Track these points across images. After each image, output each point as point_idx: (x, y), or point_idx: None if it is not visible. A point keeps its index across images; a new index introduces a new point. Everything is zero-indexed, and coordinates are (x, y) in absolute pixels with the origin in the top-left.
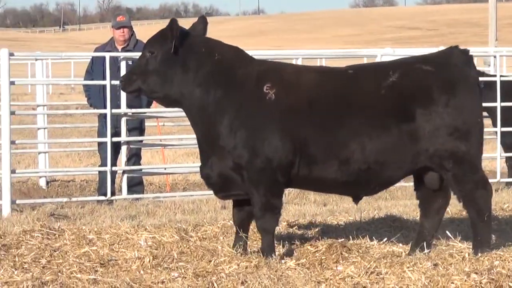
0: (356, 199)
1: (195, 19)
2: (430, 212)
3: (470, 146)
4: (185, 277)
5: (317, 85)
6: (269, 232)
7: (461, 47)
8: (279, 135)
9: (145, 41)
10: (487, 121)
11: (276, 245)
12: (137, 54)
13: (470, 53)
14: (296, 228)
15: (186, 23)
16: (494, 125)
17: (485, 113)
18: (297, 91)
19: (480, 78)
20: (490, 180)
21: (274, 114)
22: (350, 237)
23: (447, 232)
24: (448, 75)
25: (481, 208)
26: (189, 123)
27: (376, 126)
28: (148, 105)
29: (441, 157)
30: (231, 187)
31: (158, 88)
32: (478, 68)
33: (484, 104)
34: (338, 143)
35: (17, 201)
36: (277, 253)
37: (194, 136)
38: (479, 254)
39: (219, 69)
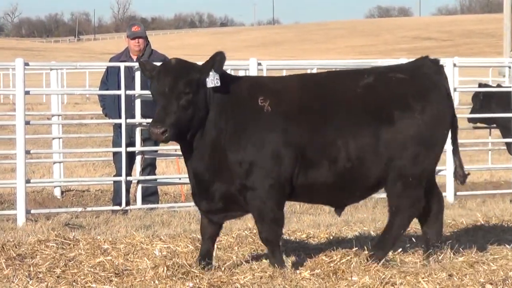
0: (340, 209)
1: (210, 29)
2: (429, 220)
3: (432, 159)
4: (200, 287)
5: (304, 92)
6: (277, 244)
7: (433, 57)
8: (285, 149)
9: (160, 51)
10: (495, 132)
11: (291, 255)
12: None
13: (441, 63)
14: (311, 239)
15: (200, 34)
16: (505, 136)
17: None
18: (289, 100)
19: (495, 89)
20: (503, 191)
21: (277, 127)
22: (365, 247)
23: (462, 243)
24: (421, 84)
25: (405, 224)
26: None
27: (361, 130)
28: None
29: (403, 167)
30: (232, 209)
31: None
32: (493, 78)
33: (495, 115)
34: (330, 148)
35: (32, 211)
36: (291, 263)
37: None
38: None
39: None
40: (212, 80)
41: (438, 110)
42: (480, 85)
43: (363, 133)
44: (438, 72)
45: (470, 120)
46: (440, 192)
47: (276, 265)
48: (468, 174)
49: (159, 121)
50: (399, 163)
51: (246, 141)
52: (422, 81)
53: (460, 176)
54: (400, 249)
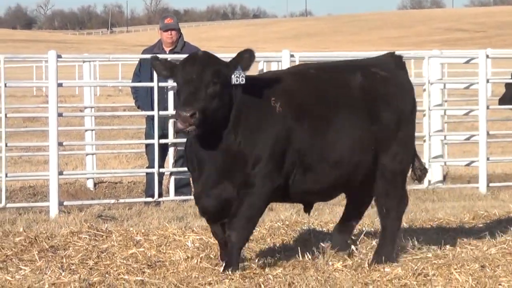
0: (310, 208)
1: (243, 21)
2: (352, 212)
3: (410, 155)
4: (233, 279)
5: (301, 89)
6: (243, 244)
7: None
8: (289, 151)
9: (192, 43)
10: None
11: (323, 246)
12: (184, 56)
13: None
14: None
15: (233, 26)
16: None
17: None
18: (290, 99)
19: None
20: None
21: (284, 129)
22: (397, 239)
23: (495, 234)
24: (399, 81)
25: (399, 223)
26: None
27: (354, 131)
28: None
29: (389, 166)
30: (227, 212)
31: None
32: None
33: None
34: (326, 151)
35: (65, 203)
36: (324, 254)
37: None
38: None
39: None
40: (238, 77)
41: (413, 107)
42: None
43: (356, 134)
44: (404, 68)
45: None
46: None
47: (231, 264)
48: (426, 170)
49: (188, 104)
50: (385, 162)
51: (258, 141)
52: (399, 78)
53: (419, 171)
54: (433, 240)
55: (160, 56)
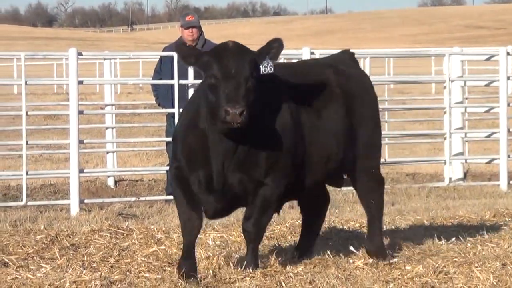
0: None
1: (263, 19)
2: (313, 215)
3: (380, 149)
4: (254, 277)
5: (296, 86)
6: (261, 240)
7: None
8: (300, 142)
9: (213, 41)
10: None
11: (344, 244)
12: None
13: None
14: (364, 228)
15: (253, 23)
16: None
17: None
18: (292, 95)
19: None
20: None
21: (294, 126)
22: (418, 236)
23: None
24: (362, 77)
25: (382, 211)
26: None
27: (338, 128)
28: None
29: (367, 161)
30: (232, 208)
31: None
32: None
33: None
34: (321, 143)
35: (86, 201)
36: (345, 252)
37: None
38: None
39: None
40: (266, 67)
41: (376, 100)
42: None
43: (341, 130)
44: (358, 64)
45: None
46: (327, 192)
47: (252, 262)
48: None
49: (236, 101)
50: (364, 159)
51: (274, 135)
52: (362, 75)
53: None
54: (454, 238)
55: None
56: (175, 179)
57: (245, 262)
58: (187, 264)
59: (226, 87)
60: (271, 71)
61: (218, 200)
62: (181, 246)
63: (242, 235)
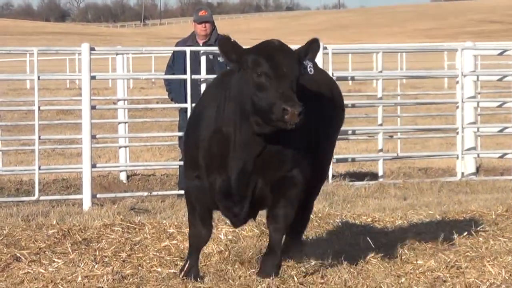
0: None
1: (276, 13)
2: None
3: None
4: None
5: None
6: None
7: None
8: (312, 139)
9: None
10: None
11: (356, 239)
12: (218, 49)
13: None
14: (376, 222)
15: (266, 18)
16: None
17: None
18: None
19: None
20: None
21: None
22: (431, 230)
23: None
24: (326, 74)
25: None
26: None
27: (323, 120)
28: None
29: (323, 162)
30: (254, 211)
31: None
32: None
33: None
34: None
35: (98, 195)
36: (356, 247)
37: None
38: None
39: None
40: (305, 68)
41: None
42: None
43: (315, 131)
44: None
45: None
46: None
47: (278, 254)
48: None
49: (295, 101)
50: (323, 158)
51: (298, 134)
52: (323, 71)
53: None
54: (466, 233)
55: (194, 48)
56: (191, 189)
57: (270, 261)
58: (191, 271)
59: (280, 86)
60: (311, 73)
61: (242, 206)
62: None
63: (254, 229)
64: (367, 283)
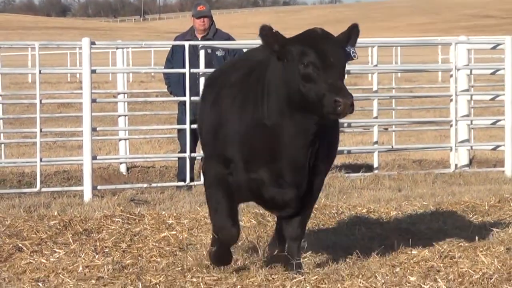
0: None
1: (273, 8)
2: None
3: None
4: (265, 261)
5: None
6: None
7: None
8: None
9: (224, 30)
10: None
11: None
12: (216, 43)
13: None
14: (371, 213)
15: (263, 13)
16: None
17: None
18: None
19: None
20: None
21: None
22: (424, 221)
23: None
24: None
25: None
26: None
27: None
28: None
29: None
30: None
31: None
32: None
33: None
34: None
35: (98, 187)
36: (352, 237)
37: None
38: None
39: None
40: (349, 55)
41: None
42: None
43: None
44: None
45: None
46: None
47: (299, 256)
48: None
49: (347, 92)
50: None
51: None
52: None
53: None
54: (459, 223)
55: (192, 42)
56: (221, 188)
57: (296, 261)
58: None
59: (329, 76)
60: (355, 58)
61: (293, 196)
62: (192, 232)
63: (252, 220)
64: (362, 273)
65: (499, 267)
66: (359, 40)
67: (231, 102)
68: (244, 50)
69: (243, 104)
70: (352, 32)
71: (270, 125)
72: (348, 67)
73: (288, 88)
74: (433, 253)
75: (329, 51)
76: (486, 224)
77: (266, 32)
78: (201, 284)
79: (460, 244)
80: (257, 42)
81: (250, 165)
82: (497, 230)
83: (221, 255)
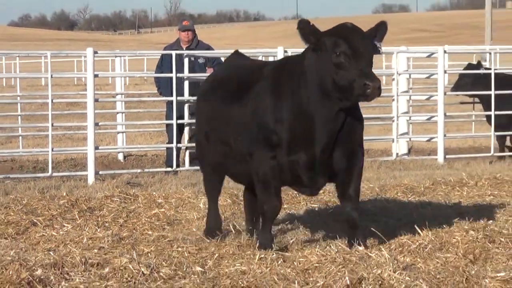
0: None
1: (246, 23)
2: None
3: None
4: (237, 233)
5: None
6: None
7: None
8: None
9: (205, 42)
10: (478, 106)
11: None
12: (198, 52)
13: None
14: (329, 194)
15: (238, 27)
16: (486, 110)
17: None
18: None
19: (478, 71)
20: (484, 154)
21: None
22: (371, 200)
23: (450, 197)
24: None
25: None
26: None
27: None
28: None
29: None
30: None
31: None
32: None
33: (479, 92)
34: None
35: (100, 172)
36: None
37: None
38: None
39: None
40: (375, 48)
41: None
42: (469, 67)
43: None
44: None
45: (453, 89)
46: None
47: (358, 225)
48: None
49: (375, 77)
50: None
51: (358, 111)
52: None
53: None
54: (402, 201)
55: (178, 52)
56: (268, 169)
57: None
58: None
59: (359, 64)
60: (380, 53)
61: (323, 176)
62: (178, 209)
63: (227, 200)
64: (319, 244)
65: (433, 239)
66: None
67: (264, 98)
68: (222, 58)
69: (277, 99)
70: (380, 28)
71: (308, 112)
72: None
73: (322, 76)
74: (378, 226)
75: (358, 42)
76: (422, 202)
77: (303, 25)
78: (185, 252)
79: (400, 218)
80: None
81: (292, 149)
82: (431, 208)
83: (266, 236)
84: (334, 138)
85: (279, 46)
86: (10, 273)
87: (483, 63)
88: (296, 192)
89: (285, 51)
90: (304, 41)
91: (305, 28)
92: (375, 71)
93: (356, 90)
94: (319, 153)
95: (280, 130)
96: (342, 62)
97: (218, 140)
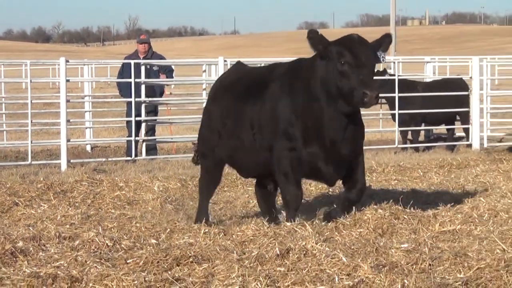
0: None
1: (192, 37)
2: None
3: None
4: (186, 211)
5: None
6: None
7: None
8: None
9: (158, 52)
10: (385, 106)
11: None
12: (153, 61)
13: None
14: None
15: (185, 41)
16: (391, 109)
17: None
18: None
19: (384, 77)
20: (389, 146)
21: None
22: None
23: None
24: None
25: None
26: (184, 106)
27: None
28: (161, 95)
29: None
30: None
31: None
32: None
33: (385, 95)
34: None
35: (71, 161)
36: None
37: (191, 115)
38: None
39: None
40: (379, 58)
41: None
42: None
43: None
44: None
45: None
46: None
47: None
48: None
49: (373, 85)
50: None
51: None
52: None
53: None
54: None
55: (136, 61)
56: (288, 160)
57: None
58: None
59: (361, 73)
60: (384, 61)
61: (336, 168)
62: (136, 192)
63: (178, 184)
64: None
65: (348, 217)
66: (252, 59)
67: (281, 97)
68: (172, 66)
69: (297, 94)
70: (384, 40)
71: (318, 108)
72: None
73: (328, 81)
74: (338, 204)
75: (361, 53)
76: (338, 186)
77: (312, 35)
78: (142, 227)
79: (320, 200)
80: (182, 61)
81: (307, 142)
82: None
83: (292, 219)
84: (341, 136)
85: (219, 56)
86: None
87: (388, 70)
88: (236, 177)
89: (225, 61)
90: (312, 49)
91: (314, 38)
92: None
93: (355, 98)
94: (329, 146)
95: (298, 124)
96: (345, 71)
97: (230, 136)
